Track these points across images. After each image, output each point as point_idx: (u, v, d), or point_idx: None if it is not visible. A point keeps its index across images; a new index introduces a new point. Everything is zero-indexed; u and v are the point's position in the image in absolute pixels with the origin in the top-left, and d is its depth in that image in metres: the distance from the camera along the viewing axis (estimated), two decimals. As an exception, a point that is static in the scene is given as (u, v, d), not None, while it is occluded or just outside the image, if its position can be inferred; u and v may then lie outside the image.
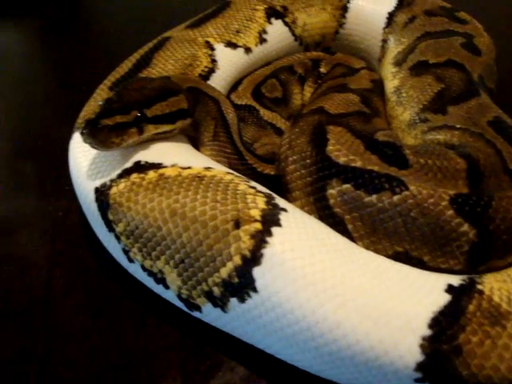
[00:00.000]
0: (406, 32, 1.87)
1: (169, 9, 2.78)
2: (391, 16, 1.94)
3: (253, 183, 1.20)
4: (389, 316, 0.88)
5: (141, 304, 1.25)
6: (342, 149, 1.17)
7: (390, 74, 1.75)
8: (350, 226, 1.09)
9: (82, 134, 1.19)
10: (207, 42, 1.79)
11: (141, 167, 1.24)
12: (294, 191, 1.24)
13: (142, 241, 1.10)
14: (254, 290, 0.97)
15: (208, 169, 1.23)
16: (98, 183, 1.26)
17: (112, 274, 1.31)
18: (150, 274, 1.17)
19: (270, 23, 1.92)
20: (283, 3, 1.95)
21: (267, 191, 1.19)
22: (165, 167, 1.23)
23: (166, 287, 1.11)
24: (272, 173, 1.39)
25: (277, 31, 1.93)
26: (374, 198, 1.05)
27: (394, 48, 1.86)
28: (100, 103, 1.30)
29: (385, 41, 1.93)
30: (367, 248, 1.07)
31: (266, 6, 1.95)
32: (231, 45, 1.82)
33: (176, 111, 1.36)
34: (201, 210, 1.08)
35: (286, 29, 1.96)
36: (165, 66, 1.70)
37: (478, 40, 1.63)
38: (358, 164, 1.12)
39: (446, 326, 0.90)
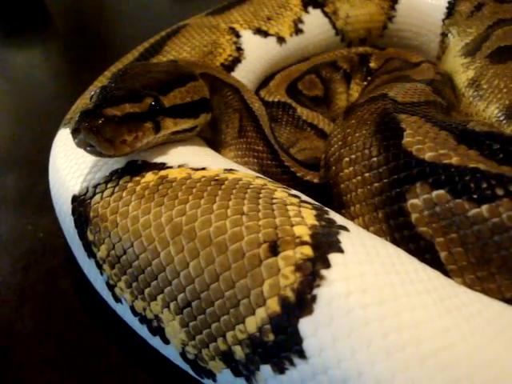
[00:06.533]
0: (472, 21, 1.61)
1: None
2: (452, 6, 1.67)
3: (294, 191, 0.84)
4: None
5: (132, 359, 0.98)
6: (425, 141, 0.81)
7: (460, 66, 1.48)
8: (443, 255, 0.78)
9: (75, 131, 0.84)
10: (232, 29, 1.52)
11: (136, 168, 0.89)
12: (353, 205, 0.88)
13: (131, 272, 0.82)
14: (301, 354, 0.65)
15: (230, 171, 0.87)
16: (76, 189, 0.91)
17: (96, 315, 1.06)
18: (143, 320, 0.83)
19: (307, 12, 1.66)
20: None
21: (316, 203, 0.83)
22: (169, 168, 0.86)
23: (165, 341, 0.79)
24: (315, 181, 1.02)
25: (315, 22, 1.67)
26: (484, 209, 0.73)
27: (459, 40, 1.60)
28: (93, 93, 0.94)
29: (445, 34, 1.67)
30: (471, 288, 0.75)
31: (301, -6, 1.67)
32: (261, 32, 1.56)
33: (198, 101, 1.03)
34: (217, 226, 0.72)
35: (325, 20, 1.69)
36: (179, 53, 1.42)
37: None
38: (454, 161, 0.75)
39: None
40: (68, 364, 0.98)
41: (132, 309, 0.85)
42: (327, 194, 1.00)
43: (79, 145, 0.86)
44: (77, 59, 2.44)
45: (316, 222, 0.73)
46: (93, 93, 0.94)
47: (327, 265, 0.67)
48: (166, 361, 0.88)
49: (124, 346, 1.00)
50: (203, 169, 0.88)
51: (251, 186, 0.81)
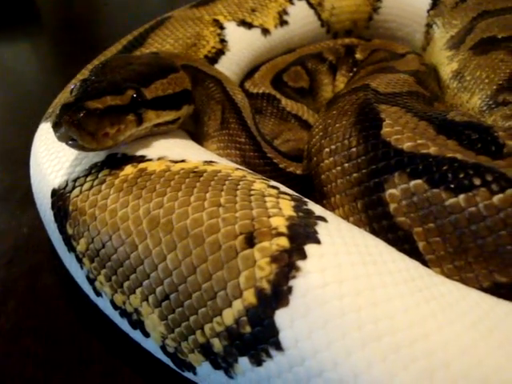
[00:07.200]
0: (457, 13, 1.60)
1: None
2: (437, -4, 1.65)
3: (274, 182, 0.83)
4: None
5: (114, 353, 0.97)
6: (404, 131, 0.81)
7: (444, 58, 1.48)
8: (421, 245, 0.77)
9: (56, 125, 0.83)
10: (216, 21, 1.50)
11: (116, 161, 0.89)
12: (334, 195, 0.88)
13: (110, 265, 0.82)
14: (277, 346, 0.65)
15: (209, 163, 0.86)
16: (56, 183, 0.90)
17: (79, 309, 1.06)
18: (123, 313, 0.83)
19: (292, 3, 1.64)
20: None
21: (295, 193, 0.82)
22: (149, 160, 0.86)
23: (146, 334, 0.79)
24: (298, 172, 1.02)
25: (300, 13, 1.65)
26: (460, 199, 0.73)
27: (444, 32, 1.60)
28: (73, 86, 0.93)
29: (429, 25, 1.66)
30: (449, 277, 0.75)
31: (285, -15, 1.66)
32: (245, 24, 1.55)
33: (180, 92, 1.02)
34: (194, 218, 0.72)
35: (310, 11, 1.67)
36: (162, 45, 1.40)
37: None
38: (432, 150, 0.76)
39: None
40: (51, 359, 0.97)
41: (112, 302, 0.84)
42: (310, 185, 1.00)
43: (61, 139, 0.85)
44: (65, 54, 2.42)
45: (293, 213, 0.73)
46: (73, 86, 0.93)
47: (303, 256, 0.66)
48: (147, 354, 0.87)
49: (106, 341, 0.99)
50: (182, 161, 0.87)
51: (230, 178, 0.80)
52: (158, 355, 0.84)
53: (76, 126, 0.81)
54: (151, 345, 0.82)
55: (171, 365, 0.83)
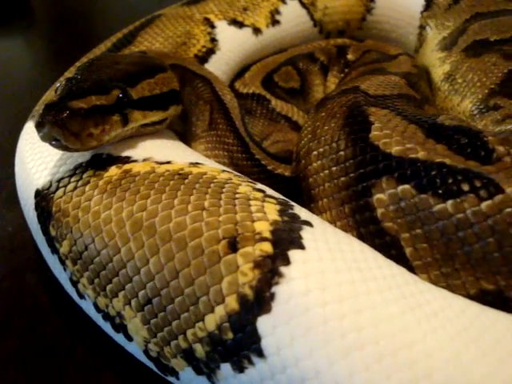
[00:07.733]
0: (450, 14, 1.59)
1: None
2: (430, -2, 1.64)
3: (260, 185, 0.82)
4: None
5: (98, 356, 0.96)
6: (393, 135, 0.80)
7: (436, 60, 1.47)
8: (408, 250, 0.76)
9: (39, 124, 0.81)
10: (206, 19, 1.49)
11: (100, 161, 0.88)
12: (321, 199, 0.87)
13: (93, 268, 0.81)
14: (259, 353, 0.64)
15: (195, 164, 0.85)
16: (40, 183, 0.89)
17: (62, 311, 1.04)
18: (106, 317, 0.82)
19: (284, 3, 1.63)
20: None
21: (281, 197, 0.81)
22: (134, 161, 0.85)
23: (128, 338, 0.79)
24: (287, 174, 1.01)
25: (292, 13, 1.64)
26: (448, 205, 0.72)
27: (437, 34, 1.59)
28: (58, 84, 0.91)
29: (423, 27, 1.66)
30: (436, 284, 0.74)
31: (278, -16, 1.64)
32: (236, 23, 1.53)
33: (168, 93, 1.01)
34: (177, 222, 0.71)
35: (303, 11, 1.66)
36: (152, 44, 1.38)
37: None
38: (421, 155, 0.74)
39: None
40: (33, 361, 0.96)
41: (95, 305, 0.83)
42: (298, 188, 0.99)
43: (44, 139, 0.83)
44: (58, 49, 2.40)
45: (278, 218, 0.72)
46: (58, 85, 0.92)
47: (287, 262, 0.65)
48: (131, 357, 0.86)
49: (90, 343, 0.98)
50: (168, 162, 0.86)
51: (215, 181, 0.79)
52: (142, 359, 0.83)
53: (59, 126, 0.80)
54: (134, 348, 0.81)
55: (154, 369, 0.81)
